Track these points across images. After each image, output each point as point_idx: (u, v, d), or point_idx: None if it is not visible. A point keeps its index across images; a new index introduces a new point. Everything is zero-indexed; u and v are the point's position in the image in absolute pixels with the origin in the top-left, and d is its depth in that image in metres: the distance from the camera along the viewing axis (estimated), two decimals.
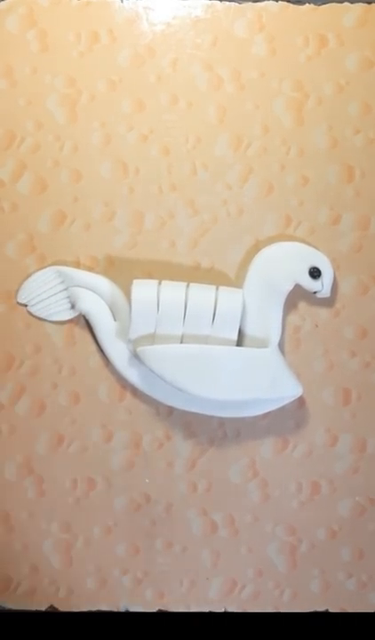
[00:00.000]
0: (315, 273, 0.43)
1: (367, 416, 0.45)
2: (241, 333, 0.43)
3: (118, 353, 0.43)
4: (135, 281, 0.42)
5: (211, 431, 0.44)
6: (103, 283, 0.43)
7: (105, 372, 0.44)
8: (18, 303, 0.44)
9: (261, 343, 0.43)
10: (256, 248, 0.44)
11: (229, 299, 0.42)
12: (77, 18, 0.44)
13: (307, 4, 0.44)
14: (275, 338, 0.43)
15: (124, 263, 0.44)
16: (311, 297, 0.44)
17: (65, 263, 0.44)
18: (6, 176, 0.44)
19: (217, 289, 0.42)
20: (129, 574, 0.45)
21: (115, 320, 0.43)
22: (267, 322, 0.43)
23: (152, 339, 0.42)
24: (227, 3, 0.44)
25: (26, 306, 0.44)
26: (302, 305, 0.44)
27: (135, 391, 0.44)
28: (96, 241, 0.44)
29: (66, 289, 0.43)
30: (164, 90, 0.44)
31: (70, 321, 0.44)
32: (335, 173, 0.44)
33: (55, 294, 0.43)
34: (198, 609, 0.45)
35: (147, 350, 0.41)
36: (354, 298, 0.44)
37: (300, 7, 0.44)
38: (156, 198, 0.44)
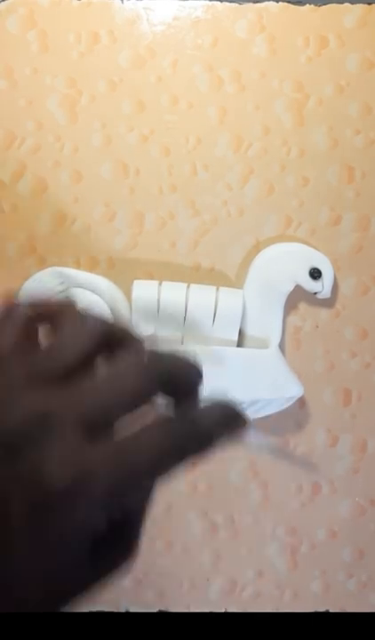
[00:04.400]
0: (315, 274, 0.43)
1: (367, 417, 0.45)
2: (241, 334, 0.43)
3: None
4: (135, 282, 0.42)
5: None
6: (103, 283, 0.43)
7: None
8: None
9: (262, 344, 0.43)
10: (256, 249, 0.44)
11: (230, 299, 0.42)
12: (78, 18, 0.43)
13: (308, 5, 0.44)
14: (275, 338, 0.43)
15: (125, 264, 0.44)
16: (311, 297, 0.44)
17: (65, 264, 0.44)
18: (7, 177, 0.44)
19: (217, 290, 0.42)
20: (129, 575, 0.45)
21: None
22: (268, 322, 0.43)
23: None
24: (228, 3, 0.44)
25: None
26: (303, 305, 0.44)
27: None
28: (96, 242, 0.44)
29: (66, 290, 0.43)
30: (165, 90, 0.44)
31: None
32: (335, 174, 0.44)
33: (55, 295, 0.43)
34: (198, 609, 0.45)
35: None
36: (354, 298, 0.44)
37: (301, 8, 0.44)
38: (157, 199, 0.44)
